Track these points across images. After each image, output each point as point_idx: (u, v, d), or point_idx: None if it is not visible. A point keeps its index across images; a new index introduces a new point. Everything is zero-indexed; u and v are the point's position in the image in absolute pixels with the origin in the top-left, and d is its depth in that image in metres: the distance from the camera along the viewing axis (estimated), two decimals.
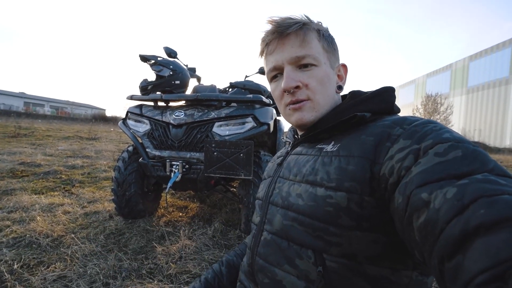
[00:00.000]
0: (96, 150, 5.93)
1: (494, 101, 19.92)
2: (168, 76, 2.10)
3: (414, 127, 0.41)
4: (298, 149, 0.59)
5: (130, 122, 2.11)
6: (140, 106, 2.14)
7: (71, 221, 2.06)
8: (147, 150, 1.93)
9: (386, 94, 0.53)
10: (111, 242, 1.76)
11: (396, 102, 0.54)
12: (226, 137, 1.84)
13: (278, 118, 2.50)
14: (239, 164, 1.68)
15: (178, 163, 1.82)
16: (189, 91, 2.42)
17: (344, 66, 0.62)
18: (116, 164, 2.12)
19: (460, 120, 22.99)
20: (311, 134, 0.55)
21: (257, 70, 2.71)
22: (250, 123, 1.88)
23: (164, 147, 1.91)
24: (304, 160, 0.53)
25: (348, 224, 0.41)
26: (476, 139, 19.11)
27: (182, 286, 1.34)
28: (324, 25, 0.59)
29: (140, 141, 1.99)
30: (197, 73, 2.84)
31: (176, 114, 1.92)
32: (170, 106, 2.10)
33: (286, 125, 2.81)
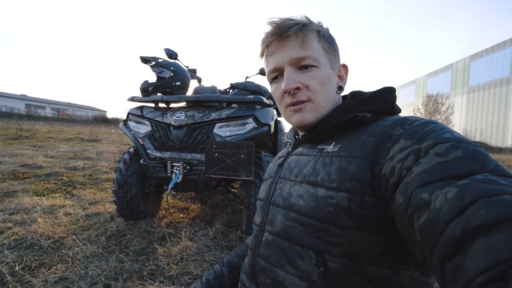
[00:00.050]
0: (97, 152, 5.95)
1: (495, 101, 19.88)
2: (168, 78, 2.11)
3: (415, 127, 0.41)
4: (299, 149, 0.59)
5: (131, 123, 2.11)
6: (141, 108, 2.15)
7: (73, 222, 2.06)
8: (148, 151, 1.93)
9: (387, 94, 0.53)
10: (112, 243, 1.76)
11: (396, 102, 0.54)
12: (227, 138, 1.84)
13: (278, 118, 2.50)
14: (240, 165, 1.68)
15: (179, 164, 1.82)
16: (189, 92, 2.43)
17: (345, 66, 0.62)
18: (117, 165, 2.12)
19: (461, 120, 22.94)
20: (312, 134, 0.55)
21: (258, 71, 2.71)
22: (251, 124, 1.89)
23: (165, 148, 1.91)
24: (305, 161, 0.53)
25: (349, 224, 0.41)
26: (477, 139, 19.06)
27: (183, 287, 1.34)
28: (325, 25, 0.59)
29: (141, 142, 1.99)
30: (198, 74, 2.85)
31: (177, 115, 1.93)
32: (171, 108, 2.11)
33: (287, 126, 2.81)
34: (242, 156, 1.67)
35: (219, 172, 1.71)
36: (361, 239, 0.40)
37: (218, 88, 2.69)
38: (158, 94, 2.12)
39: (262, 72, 2.66)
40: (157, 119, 1.98)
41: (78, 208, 2.40)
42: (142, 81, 2.20)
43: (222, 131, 1.87)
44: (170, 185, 1.78)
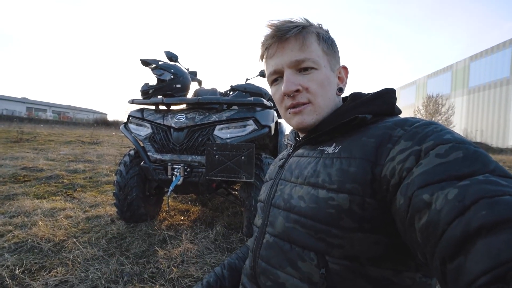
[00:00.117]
0: (98, 155, 5.95)
1: (496, 102, 19.87)
2: (169, 80, 2.11)
3: (415, 128, 0.41)
4: (300, 151, 0.59)
5: (131, 126, 2.11)
6: (141, 110, 2.15)
7: (73, 225, 2.06)
8: (148, 153, 1.93)
9: (387, 96, 0.53)
10: (113, 246, 1.76)
11: (397, 104, 0.54)
12: (228, 140, 1.84)
13: (279, 120, 2.50)
14: (241, 167, 1.68)
15: (179, 166, 1.82)
16: (190, 95, 2.44)
17: (345, 68, 0.62)
18: (117, 168, 2.12)
19: (461, 121, 22.91)
20: (313, 136, 0.55)
21: (258, 73, 2.72)
22: (251, 126, 1.89)
23: (166, 150, 1.91)
24: (306, 162, 0.53)
25: (349, 225, 0.41)
26: (478, 140, 19.03)
27: None
28: (324, 27, 0.59)
29: (142, 144, 2.00)
30: (198, 76, 2.86)
31: (177, 118, 1.93)
32: (171, 110, 2.11)
33: (287, 128, 2.81)
34: (243, 158, 1.67)
35: (220, 174, 1.71)
36: (362, 241, 0.40)
37: (218, 90, 2.69)
38: (159, 96, 2.13)
39: (262, 74, 2.67)
40: (158, 121, 1.99)
41: (78, 211, 2.40)
42: (142, 84, 2.21)
43: (223, 133, 1.88)
44: (171, 188, 1.78)
